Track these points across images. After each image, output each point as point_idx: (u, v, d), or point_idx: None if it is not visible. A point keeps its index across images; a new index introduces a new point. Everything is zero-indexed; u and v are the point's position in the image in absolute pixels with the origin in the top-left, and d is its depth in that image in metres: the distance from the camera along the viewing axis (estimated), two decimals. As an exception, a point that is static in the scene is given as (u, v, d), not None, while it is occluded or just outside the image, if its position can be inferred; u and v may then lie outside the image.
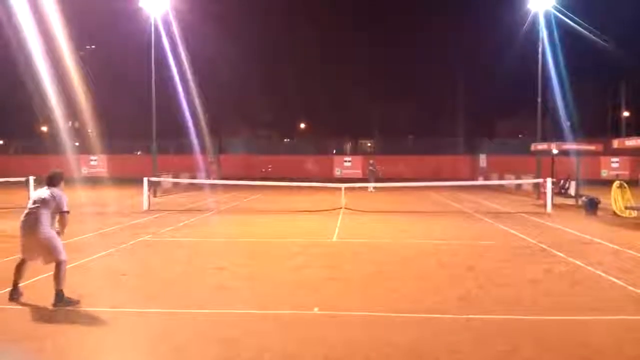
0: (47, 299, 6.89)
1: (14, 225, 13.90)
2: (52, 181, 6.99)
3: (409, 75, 51.56)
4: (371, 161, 29.54)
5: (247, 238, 12.25)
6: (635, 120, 49.53)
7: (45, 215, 6.77)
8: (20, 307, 6.64)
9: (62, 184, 7.15)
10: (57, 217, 6.89)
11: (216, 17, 43.04)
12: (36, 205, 6.80)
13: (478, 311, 6.50)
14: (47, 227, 6.80)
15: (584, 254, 10.10)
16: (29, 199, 7.36)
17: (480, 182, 29.03)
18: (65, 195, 6.97)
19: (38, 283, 7.75)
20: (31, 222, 6.77)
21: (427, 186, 25.67)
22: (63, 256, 6.81)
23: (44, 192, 6.89)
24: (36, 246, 6.83)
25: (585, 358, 5.17)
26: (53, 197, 6.83)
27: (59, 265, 6.75)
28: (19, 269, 7.01)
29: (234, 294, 7.32)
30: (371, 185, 25.24)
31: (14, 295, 6.91)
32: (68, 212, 6.93)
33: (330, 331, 5.84)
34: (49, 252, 6.79)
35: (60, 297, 6.68)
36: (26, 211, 6.88)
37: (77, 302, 6.72)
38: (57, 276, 6.73)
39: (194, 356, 5.24)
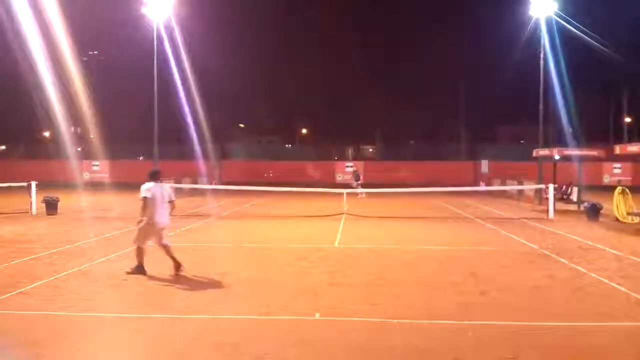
0: (46, 305, 6.90)
1: (12, 230, 14.00)
2: (154, 177, 8.64)
3: (410, 81, 51.73)
4: (354, 169, 29.20)
5: (248, 243, 12.24)
6: (637, 126, 49.53)
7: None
8: (19, 312, 6.63)
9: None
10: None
11: (218, 24, 43.31)
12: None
13: (480, 317, 6.47)
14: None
15: (586, 260, 10.07)
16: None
17: (482, 187, 28.96)
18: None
19: (36, 288, 7.75)
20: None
21: (429, 192, 25.62)
22: (135, 241, 8.59)
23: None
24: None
25: (588, 364, 5.14)
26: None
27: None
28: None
29: (235, 299, 7.30)
30: (363, 190, 25.01)
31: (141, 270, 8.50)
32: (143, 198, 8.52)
33: (332, 337, 5.82)
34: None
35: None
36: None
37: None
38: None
39: (194, 362, 5.23)
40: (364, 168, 38.17)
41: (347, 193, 19.62)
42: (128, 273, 8.44)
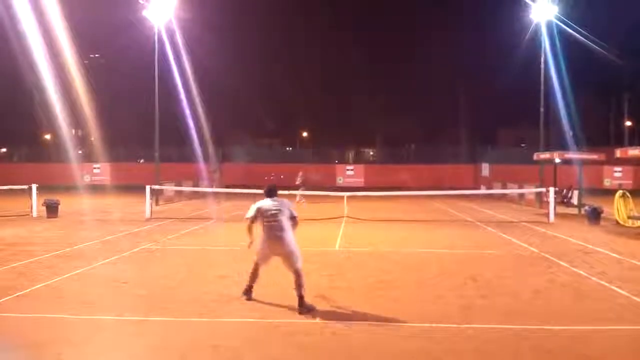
0: (46, 308, 6.90)
1: (13, 232, 14.00)
2: (270, 193, 7.49)
3: (411, 84, 51.70)
4: (300, 173, 27.60)
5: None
6: (638, 130, 49.51)
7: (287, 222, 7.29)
8: (19, 315, 6.63)
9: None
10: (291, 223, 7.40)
11: (219, 27, 43.38)
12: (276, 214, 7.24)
13: (480, 321, 6.47)
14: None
15: (587, 264, 10.06)
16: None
17: (482, 191, 28.97)
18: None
19: (36, 291, 7.74)
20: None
21: (430, 195, 25.64)
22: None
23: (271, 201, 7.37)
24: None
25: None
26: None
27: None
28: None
29: (235, 302, 7.30)
30: (299, 193, 24.32)
31: (249, 294, 7.44)
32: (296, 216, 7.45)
33: (332, 340, 5.82)
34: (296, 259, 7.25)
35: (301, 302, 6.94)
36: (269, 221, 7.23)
37: (313, 309, 6.90)
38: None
39: (194, 365, 5.22)
40: (364, 171, 38.18)
41: (348, 196, 19.58)
42: (246, 299, 7.38)
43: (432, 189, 27.86)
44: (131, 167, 36.86)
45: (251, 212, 7.37)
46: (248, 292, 7.46)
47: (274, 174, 37.47)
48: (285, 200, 7.50)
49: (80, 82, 30.67)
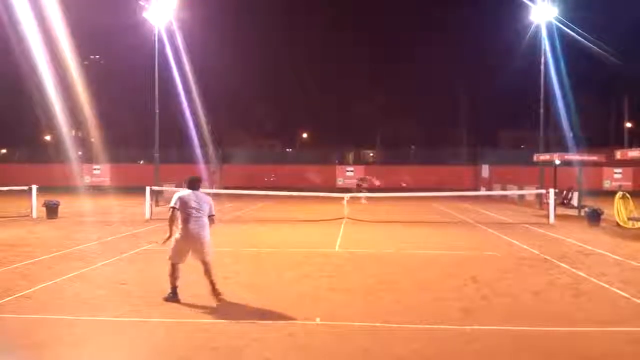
0: (46, 309, 6.90)
1: (13, 233, 14.00)
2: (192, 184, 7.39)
3: (410, 84, 51.74)
4: (367, 177, 28.16)
5: (249, 248, 12.23)
6: (638, 131, 49.50)
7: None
8: (19, 316, 6.62)
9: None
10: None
11: (219, 27, 43.42)
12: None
13: (481, 322, 6.46)
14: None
15: (587, 265, 10.05)
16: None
17: (482, 192, 28.98)
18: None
19: (36, 292, 7.74)
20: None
21: (430, 196, 25.63)
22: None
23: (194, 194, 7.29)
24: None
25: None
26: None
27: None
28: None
29: (235, 303, 7.29)
30: (363, 195, 24.72)
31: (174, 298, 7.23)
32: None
33: (332, 342, 5.81)
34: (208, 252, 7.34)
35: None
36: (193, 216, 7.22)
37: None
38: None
39: (194, 366, 5.22)
40: (364, 172, 38.24)
41: (348, 197, 19.59)
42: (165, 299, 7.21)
43: (432, 190, 27.88)
44: (131, 168, 36.88)
45: (173, 202, 7.24)
46: (174, 294, 7.25)
47: (274, 175, 37.56)
48: (206, 196, 7.45)
49: (80, 83, 30.71)
